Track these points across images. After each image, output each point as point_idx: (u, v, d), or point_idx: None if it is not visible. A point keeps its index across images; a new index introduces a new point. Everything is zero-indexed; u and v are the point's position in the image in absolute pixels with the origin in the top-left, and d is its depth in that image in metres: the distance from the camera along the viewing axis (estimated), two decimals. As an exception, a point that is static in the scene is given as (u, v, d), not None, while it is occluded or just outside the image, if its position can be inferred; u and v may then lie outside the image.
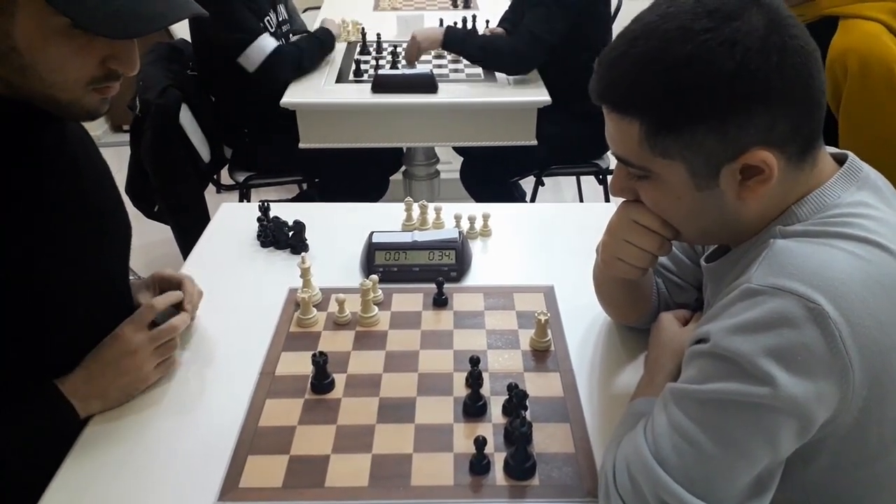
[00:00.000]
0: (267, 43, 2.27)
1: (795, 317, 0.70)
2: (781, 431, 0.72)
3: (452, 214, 1.48)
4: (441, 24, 2.76)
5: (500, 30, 2.57)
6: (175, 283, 1.15)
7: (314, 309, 1.21)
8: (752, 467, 0.73)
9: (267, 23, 2.39)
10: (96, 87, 0.88)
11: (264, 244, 1.42)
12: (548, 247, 1.42)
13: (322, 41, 2.47)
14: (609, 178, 2.63)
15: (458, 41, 2.33)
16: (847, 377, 0.70)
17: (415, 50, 2.41)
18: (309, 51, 2.39)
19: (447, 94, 2.28)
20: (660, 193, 0.83)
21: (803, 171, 0.80)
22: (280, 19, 2.52)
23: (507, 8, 2.74)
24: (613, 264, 0.97)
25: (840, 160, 0.84)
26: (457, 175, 2.74)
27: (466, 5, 3.31)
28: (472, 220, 1.45)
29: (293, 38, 2.49)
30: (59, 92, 0.86)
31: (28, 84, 0.85)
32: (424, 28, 2.52)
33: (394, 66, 2.46)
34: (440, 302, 1.24)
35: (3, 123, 0.89)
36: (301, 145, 2.29)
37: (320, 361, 1.04)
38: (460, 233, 1.36)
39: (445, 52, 2.59)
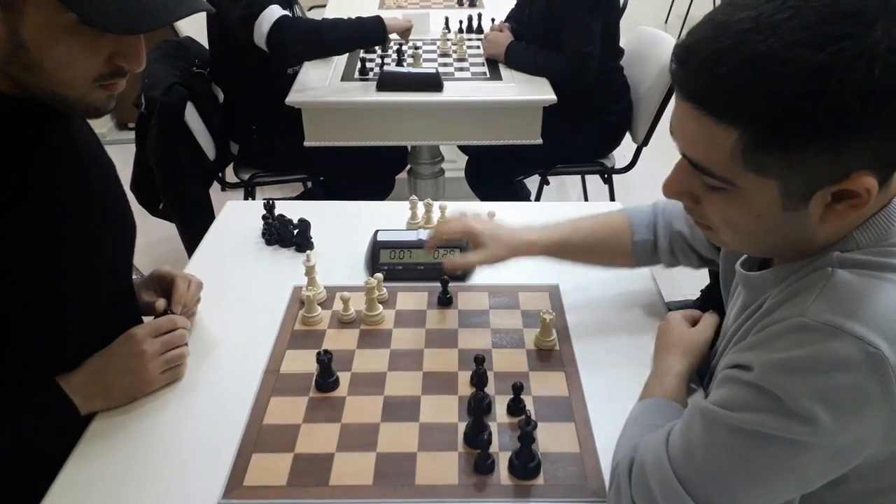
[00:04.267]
0: (273, 12, 2.08)
1: (852, 361, 0.66)
2: (814, 467, 0.70)
3: (457, 213, 1.47)
4: (446, 23, 2.76)
5: (506, 26, 2.57)
6: (169, 280, 1.17)
7: (319, 307, 1.21)
8: (776, 498, 0.72)
9: None
10: (103, 84, 0.88)
11: (269, 242, 1.42)
12: (553, 246, 1.42)
13: (362, 25, 2.19)
14: (613, 177, 2.63)
15: (518, 59, 2.42)
16: (894, 419, 0.67)
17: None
18: (332, 26, 2.15)
19: (452, 92, 2.27)
20: (735, 208, 0.72)
21: (880, 196, 0.71)
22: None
23: (513, 6, 2.73)
24: None
25: None
26: (462, 174, 2.73)
27: (472, 3, 3.30)
28: (477, 218, 1.44)
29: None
30: (66, 89, 0.86)
31: (35, 81, 0.85)
32: (495, 34, 2.52)
33: (399, 64, 2.46)
34: (445, 301, 1.23)
35: (9, 121, 0.89)
36: (306, 143, 2.29)
37: (325, 359, 1.04)
38: (465, 231, 1.35)
39: (451, 51, 2.59)
